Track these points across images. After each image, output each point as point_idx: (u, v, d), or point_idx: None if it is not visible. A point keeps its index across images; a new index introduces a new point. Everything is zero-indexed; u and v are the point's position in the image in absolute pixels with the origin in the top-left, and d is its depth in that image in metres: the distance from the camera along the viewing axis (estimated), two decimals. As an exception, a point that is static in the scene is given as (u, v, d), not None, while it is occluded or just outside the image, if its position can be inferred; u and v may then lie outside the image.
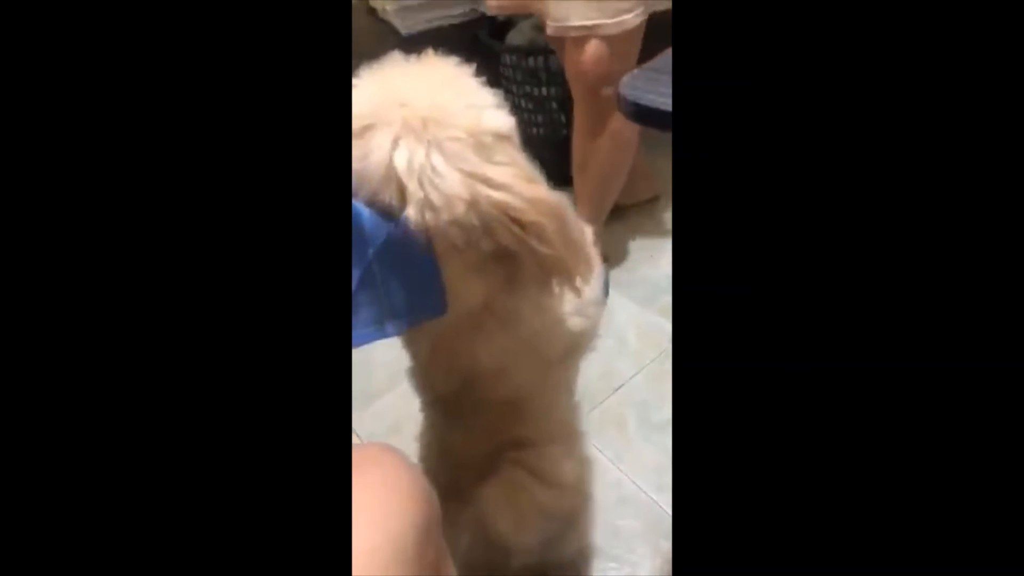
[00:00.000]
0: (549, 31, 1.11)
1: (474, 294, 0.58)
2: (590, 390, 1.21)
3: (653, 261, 1.47)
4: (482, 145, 0.51)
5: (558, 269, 0.56)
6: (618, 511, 1.05)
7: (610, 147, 1.19)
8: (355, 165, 0.51)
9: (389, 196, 0.51)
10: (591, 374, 1.22)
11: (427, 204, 0.50)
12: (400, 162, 0.49)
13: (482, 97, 0.54)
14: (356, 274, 0.52)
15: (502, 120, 0.54)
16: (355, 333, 0.53)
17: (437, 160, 0.50)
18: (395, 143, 0.50)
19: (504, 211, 0.51)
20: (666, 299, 1.38)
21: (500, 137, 0.53)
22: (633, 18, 1.04)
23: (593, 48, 1.07)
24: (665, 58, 0.46)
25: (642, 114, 0.42)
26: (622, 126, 1.15)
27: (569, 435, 0.78)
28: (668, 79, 0.43)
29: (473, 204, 0.50)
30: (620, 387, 1.23)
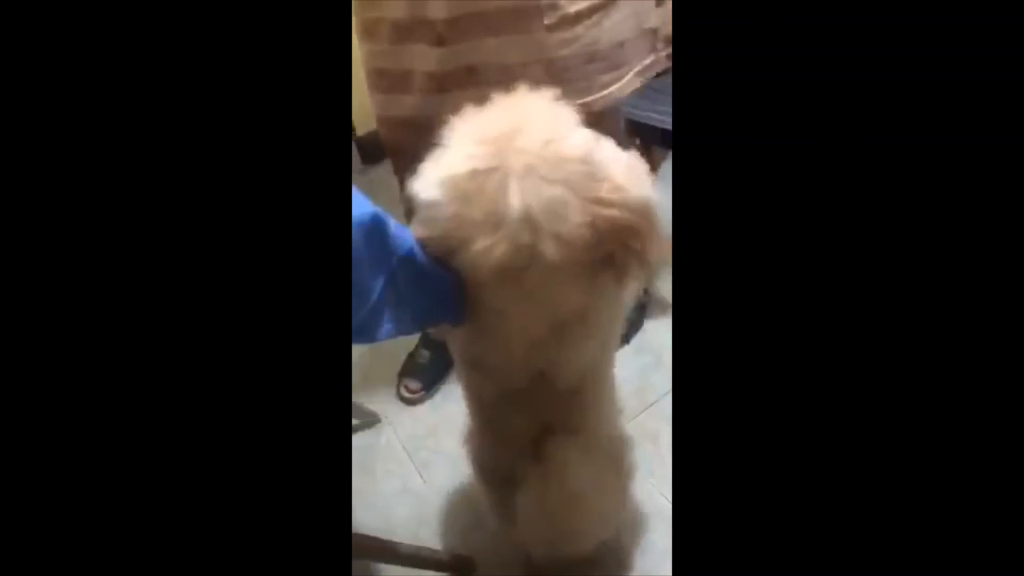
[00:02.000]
0: None
1: (574, 302, 0.61)
2: (625, 405, 1.21)
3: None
4: (589, 171, 0.55)
5: (652, 264, 0.59)
6: (649, 524, 1.05)
7: None
8: (485, 208, 0.54)
9: (524, 236, 0.54)
10: (627, 389, 1.22)
11: (557, 237, 0.53)
12: (533, 204, 0.52)
13: (573, 122, 0.58)
14: (381, 278, 0.55)
15: (592, 139, 0.57)
16: (379, 330, 0.56)
17: (562, 195, 0.53)
18: (523, 187, 0.53)
19: (614, 224, 0.55)
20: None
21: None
22: (616, 90, 0.96)
23: None
24: (667, 78, 0.47)
25: (635, 129, 0.43)
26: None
27: (613, 426, 0.82)
28: (667, 98, 0.44)
29: (591, 225, 0.54)
30: (654, 403, 1.23)
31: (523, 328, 0.63)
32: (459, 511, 1.13)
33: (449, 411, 1.30)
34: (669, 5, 0.95)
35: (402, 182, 1.25)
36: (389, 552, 0.94)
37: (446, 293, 0.58)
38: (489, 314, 0.62)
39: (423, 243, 0.59)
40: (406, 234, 0.57)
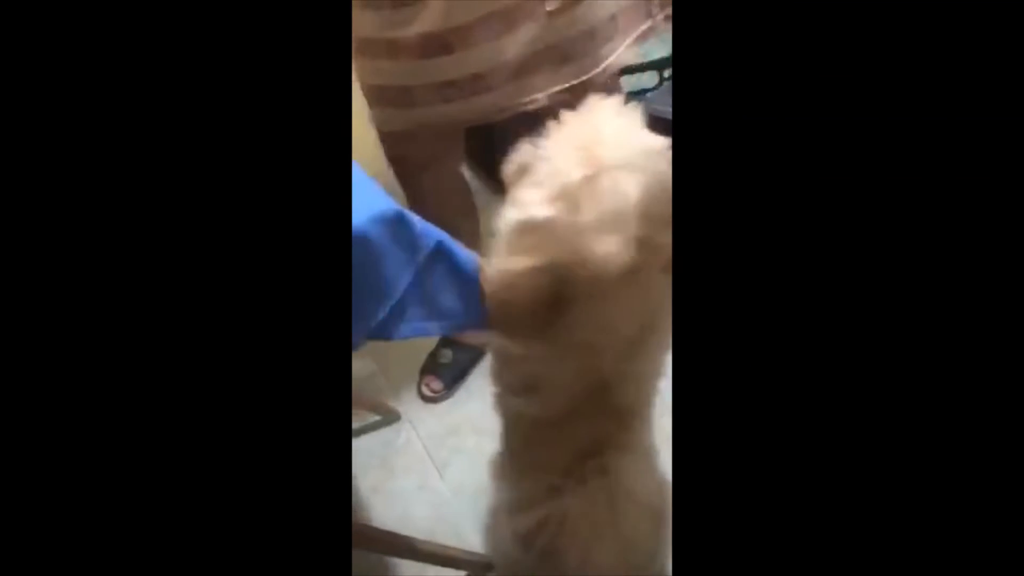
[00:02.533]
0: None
1: (660, 302, 0.60)
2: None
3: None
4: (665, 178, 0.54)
5: None
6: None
7: None
8: (601, 210, 0.52)
9: (645, 228, 0.52)
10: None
11: (668, 226, 0.51)
12: (646, 195, 0.52)
13: (639, 121, 0.57)
14: (408, 274, 0.55)
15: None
16: (402, 327, 0.56)
17: (665, 182, 0.52)
18: (633, 180, 0.52)
19: None
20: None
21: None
22: (614, 60, 1.02)
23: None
24: None
25: (652, 124, 0.44)
26: None
27: (651, 445, 0.79)
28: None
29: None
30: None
31: (623, 337, 0.61)
32: (477, 510, 1.13)
33: (470, 410, 1.31)
34: None
35: (409, 192, 1.25)
36: (406, 548, 0.95)
37: (476, 294, 0.58)
38: (586, 329, 0.59)
39: (527, 277, 0.55)
40: (433, 230, 0.57)
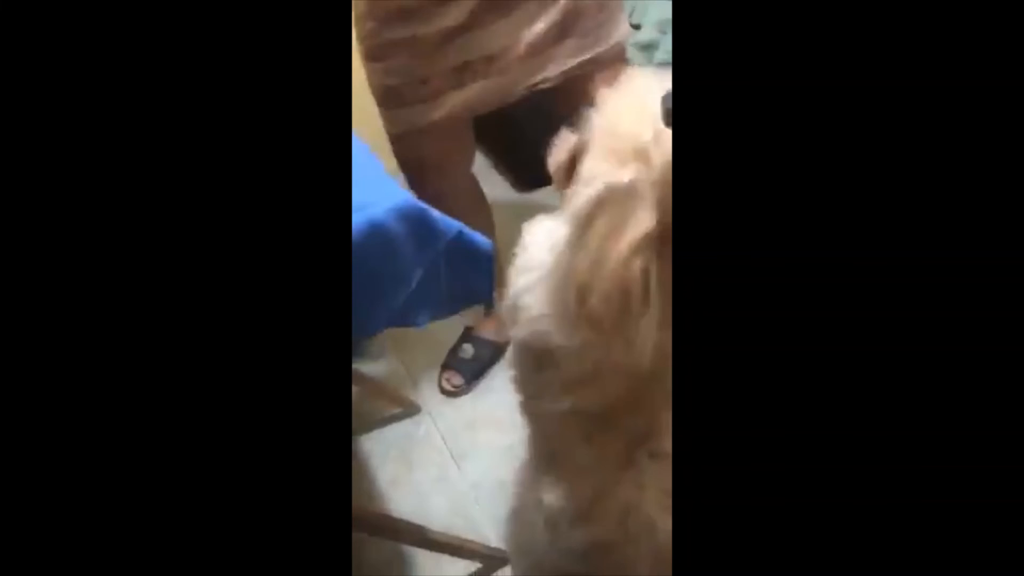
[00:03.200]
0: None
1: None
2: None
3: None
4: None
5: None
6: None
7: None
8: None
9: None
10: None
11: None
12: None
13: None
14: (425, 263, 0.56)
15: None
16: (423, 313, 0.57)
17: None
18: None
19: None
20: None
21: None
22: (621, 35, 1.04)
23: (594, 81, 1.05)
24: None
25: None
26: None
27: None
28: None
29: None
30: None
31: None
32: (494, 504, 1.14)
33: (490, 404, 1.32)
34: None
35: (421, 195, 1.28)
36: (421, 537, 0.96)
37: (490, 271, 0.59)
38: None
39: (628, 256, 0.51)
40: (451, 221, 0.58)
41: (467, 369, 1.37)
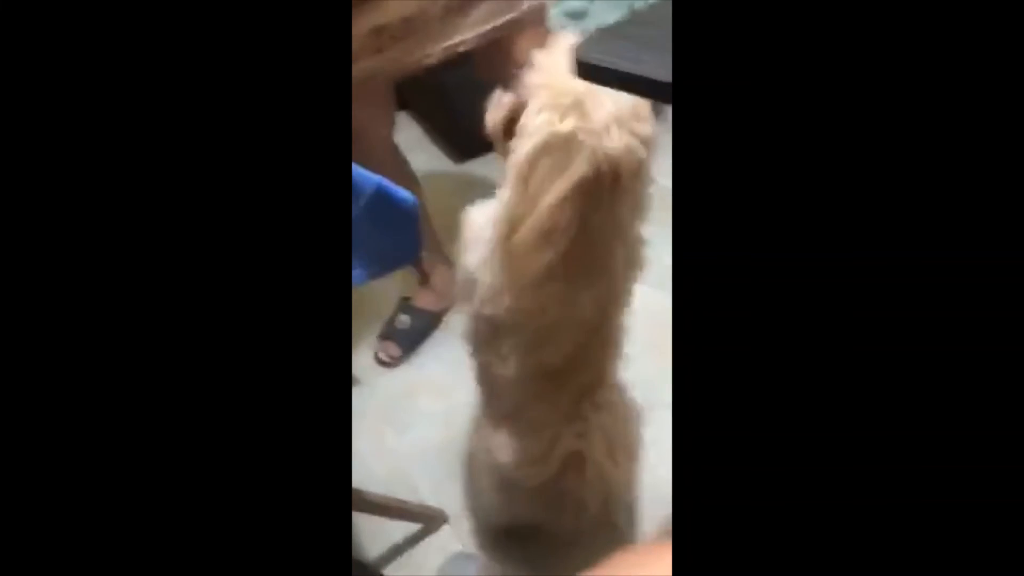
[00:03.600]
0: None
1: (638, 216, 0.65)
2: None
3: (668, 244, 1.49)
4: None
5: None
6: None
7: None
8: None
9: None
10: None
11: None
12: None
13: None
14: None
15: None
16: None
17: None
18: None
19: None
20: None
21: None
22: None
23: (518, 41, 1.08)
24: (626, 17, 0.48)
25: (588, 75, 0.44)
26: None
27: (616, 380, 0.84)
28: (622, 39, 0.45)
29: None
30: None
31: (623, 256, 0.66)
32: (434, 468, 1.16)
33: (427, 372, 1.33)
34: None
35: None
36: (363, 503, 0.97)
37: (415, 228, 0.60)
38: (597, 250, 0.63)
39: (568, 199, 0.57)
40: (368, 176, 0.58)
41: (404, 339, 1.37)
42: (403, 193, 0.59)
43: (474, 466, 0.96)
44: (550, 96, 0.57)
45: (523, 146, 0.58)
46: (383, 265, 0.61)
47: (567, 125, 0.56)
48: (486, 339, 0.77)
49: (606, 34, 0.44)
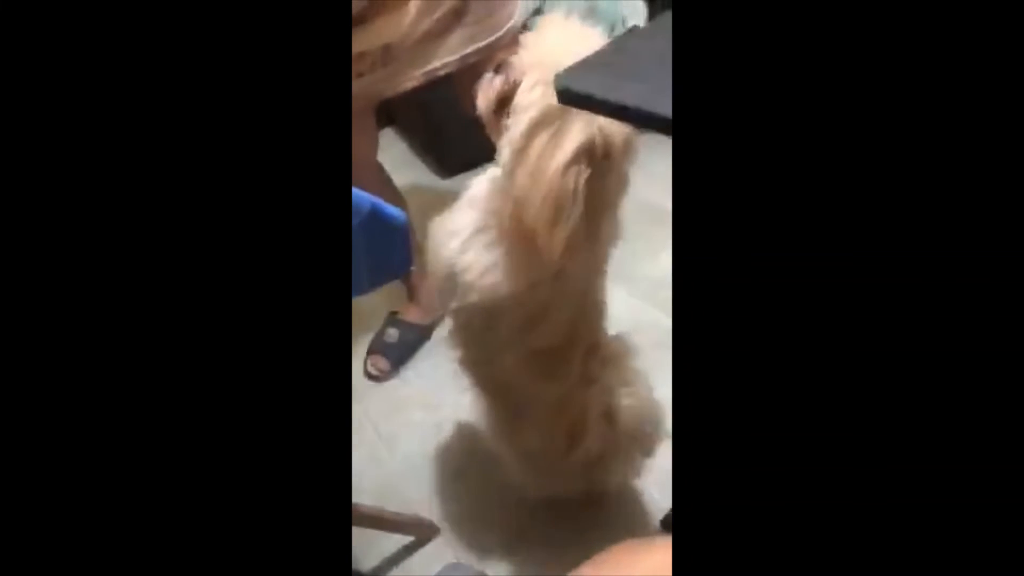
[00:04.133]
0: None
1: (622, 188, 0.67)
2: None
3: (653, 257, 1.52)
4: None
5: None
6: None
7: None
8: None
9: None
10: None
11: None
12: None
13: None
14: None
15: None
16: None
17: None
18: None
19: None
20: (665, 294, 1.43)
21: None
22: (519, 19, 1.10)
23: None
24: (598, 53, 0.51)
25: (570, 102, 0.46)
26: None
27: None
28: (601, 69, 0.48)
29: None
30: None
31: (608, 228, 0.68)
32: (425, 480, 1.18)
33: (417, 386, 1.34)
34: None
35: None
36: (356, 515, 0.98)
37: (406, 243, 0.62)
38: (593, 225, 0.65)
39: (571, 163, 0.60)
40: (363, 197, 0.61)
41: (393, 353, 1.39)
42: (394, 211, 0.61)
43: (499, 467, 0.98)
44: (542, 72, 0.59)
45: (520, 122, 0.60)
46: (376, 278, 0.64)
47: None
48: (479, 333, 0.78)
49: (585, 65, 0.47)
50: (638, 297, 1.45)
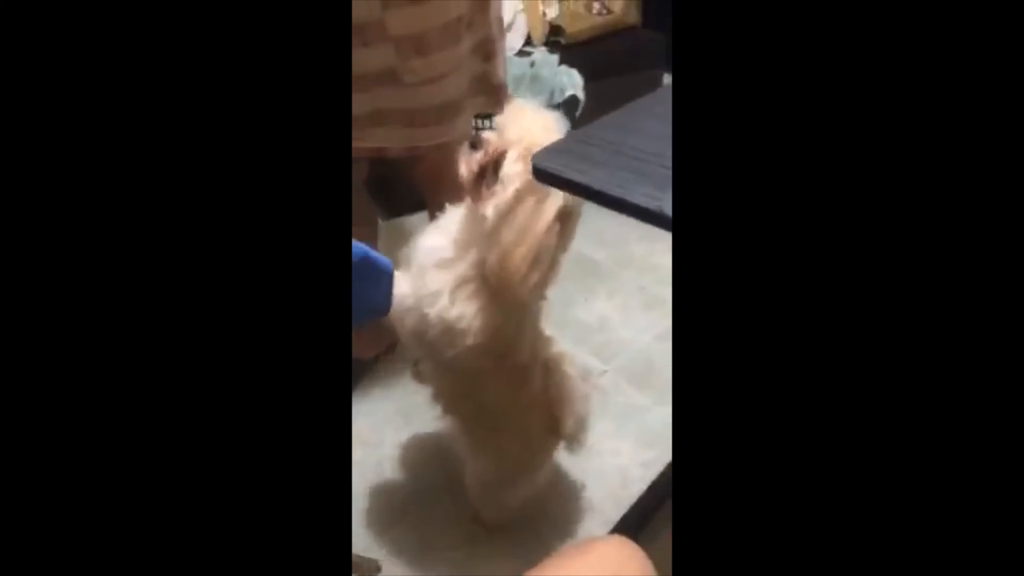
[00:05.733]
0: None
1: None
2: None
3: (586, 303, 1.62)
4: None
5: None
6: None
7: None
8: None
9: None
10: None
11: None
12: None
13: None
14: None
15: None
16: None
17: None
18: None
19: None
20: (598, 338, 1.53)
21: None
22: (465, 129, 1.19)
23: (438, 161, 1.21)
24: (571, 135, 0.62)
25: (543, 179, 0.57)
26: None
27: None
28: (568, 154, 0.58)
29: None
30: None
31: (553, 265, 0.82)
32: (365, 517, 1.20)
33: (357, 425, 1.37)
34: (496, 60, 1.19)
35: None
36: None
37: (390, 285, 0.68)
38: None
39: (554, 221, 0.74)
40: (357, 245, 0.67)
41: None
42: (383, 259, 0.67)
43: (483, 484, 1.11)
44: (521, 149, 0.74)
45: (508, 189, 0.74)
46: (360, 318, 0.69)
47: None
48: (465, 367, 0.90)
49: (553, 149, 0.56)
50: (571, 340, 1.54)
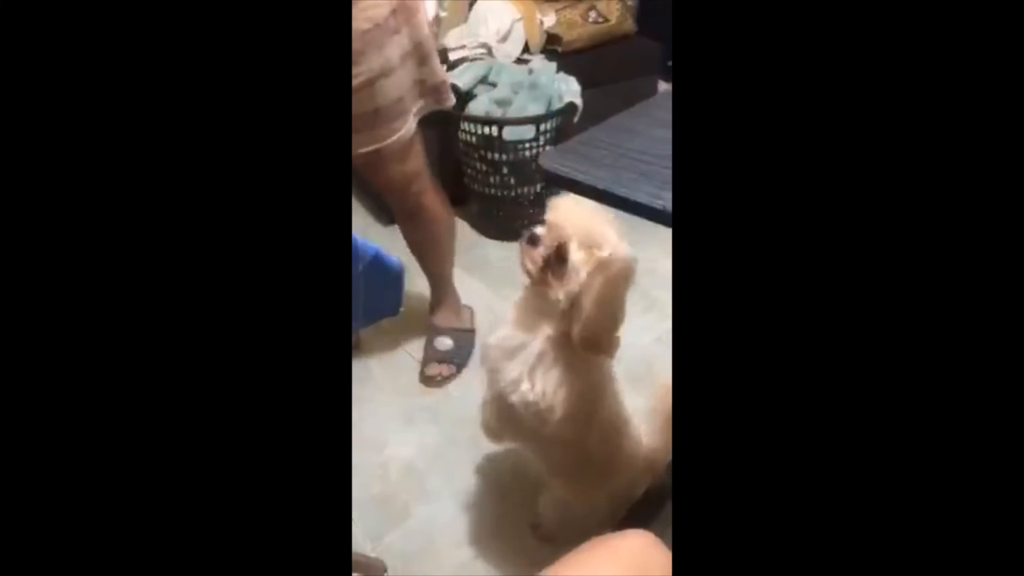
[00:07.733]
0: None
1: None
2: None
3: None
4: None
5: None
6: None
7: (427, 224, 1.33)
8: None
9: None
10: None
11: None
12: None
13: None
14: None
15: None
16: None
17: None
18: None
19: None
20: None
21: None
22: (405, 131, 1.20)
23: (387, 164, 1.23)
24: (577, 138, 0.63)
25: (552, 179, 0.58)
26: (431, 205, 1.31)
27: None
28: (575, 155, 0.60)
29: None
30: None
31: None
32: (371, 519, 1.21)
33: (360, 429, 1.38)
34: (431, 62, 1.20)
35: None
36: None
37: (400, 286, 0.70)
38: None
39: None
40: (368, 245, 0.69)
41: (455, 358, 1.45)
42: (393, 259, 0.69)
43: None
44: (581, 238, 0.81)
45: (578, 275, 0.81)
46: (370, 316, 0.71)
47: (605, 252, 0.80)
48: (566, 442, 0.97)
49: (560, 150, 0.59)
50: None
